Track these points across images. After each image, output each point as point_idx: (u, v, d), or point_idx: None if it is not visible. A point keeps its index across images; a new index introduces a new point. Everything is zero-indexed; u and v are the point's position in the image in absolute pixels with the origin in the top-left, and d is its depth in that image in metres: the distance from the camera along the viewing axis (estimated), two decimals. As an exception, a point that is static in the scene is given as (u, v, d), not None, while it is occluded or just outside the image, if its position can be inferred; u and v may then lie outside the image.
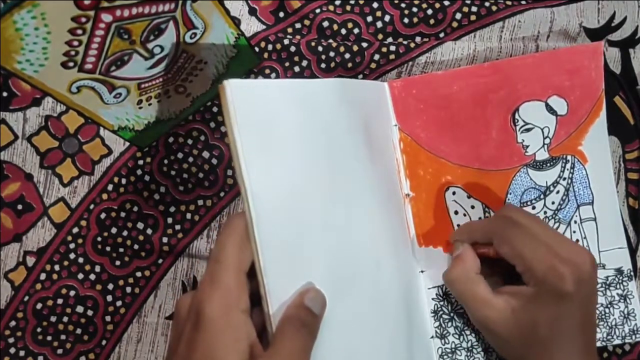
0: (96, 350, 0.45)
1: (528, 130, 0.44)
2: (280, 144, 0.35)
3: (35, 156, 0.46)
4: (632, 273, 0.44)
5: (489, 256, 0.40)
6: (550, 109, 0.44)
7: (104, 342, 0.45)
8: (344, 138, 0.40)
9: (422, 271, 0.44)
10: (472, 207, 0.44)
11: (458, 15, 0.46)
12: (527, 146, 0.44)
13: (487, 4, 0.46)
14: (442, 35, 0.46)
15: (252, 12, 0.46)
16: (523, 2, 0.46)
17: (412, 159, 0.44)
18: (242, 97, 0.32)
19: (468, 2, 0.46)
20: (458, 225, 0.44)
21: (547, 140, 0.44)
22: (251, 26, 0.46)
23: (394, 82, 0.44)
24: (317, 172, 0.37)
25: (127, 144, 0.45)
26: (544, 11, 0.46)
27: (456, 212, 0.44)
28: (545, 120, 0.44)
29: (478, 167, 0.44)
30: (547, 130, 0.44)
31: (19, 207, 0.45)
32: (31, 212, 0.45)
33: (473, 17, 0.46)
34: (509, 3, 0.46)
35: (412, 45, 0.45)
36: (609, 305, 0.43)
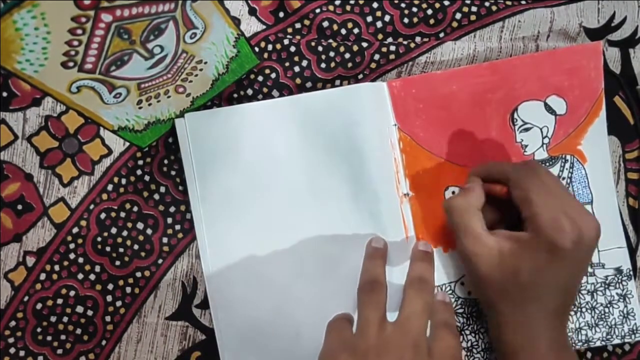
0: (96, 350, 0.45)
1: (527, 129, 0.44)
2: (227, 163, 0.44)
3: (35, 156, 0.46)
4: (631, 272, 0.44)
5: (496, 194, 0.40)
6: (549, 109, 0.44)
7: (103, 342, 0.45)
8: (306, 149, 0.44)
9: None
10: None
11: (458, 15, 0.46)
12: (526, 146, 0.44)
13: (487, 4, 0.46)
14: (442, 35, 0.46)
15: (252, 12, 0.46)
16: (523, 2, 0.46)
17: (412, 158, 0.44)
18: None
19: (468, 2, 0.46)
20: None
21: (546, 140, 0.44)
22: (251, 26, 0.46)
23: (393, 82, 0.44)
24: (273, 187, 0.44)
25: (127, 144, 0.46)
26: (544, 11, 0.46)
27: None
28: (544, 120, 0.44)
29: None
30: (546, 130, 0.44)
31: (19, 207, 0.45)
32: (31, 212, 0.45)
33: (473, 17, 0.46)
34: (509, 3, 0.46)
35: (412, 45, 0.45)
36: (608, 305, 0.43)
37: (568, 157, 0.44)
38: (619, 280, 0.44)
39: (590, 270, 0.44)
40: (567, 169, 0.44)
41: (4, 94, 0.45)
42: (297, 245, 0.43)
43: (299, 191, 0.44)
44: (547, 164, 0.44)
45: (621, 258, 0.44)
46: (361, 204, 0.43)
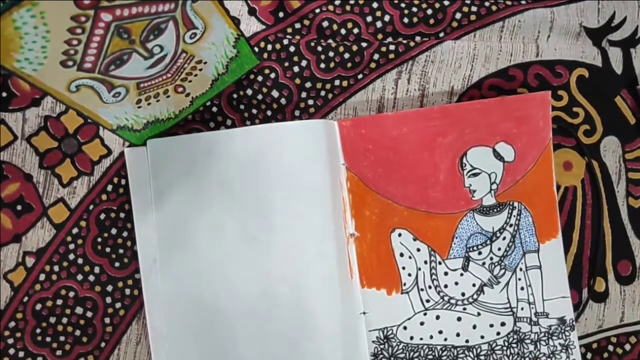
0: (95, 352, 0.45)
1: (475, 175, 0.44)
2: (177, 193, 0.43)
3: (35, 156, 0.46)
4: (574, 323, 0.44)
5: None
6: (497, 155, 0.44)
7: (102, 344, 0.45)
8: (255, 183, 0.43)
9: (363, 313, 0.44)
10: (418, 249, 0.44)
11: (458, 15, 0.46)
12: (474, 191, 0.44)
13: (487, 3, 0.46)
14: (441, 35, 0.46)
15: (251, 12, 0.46)
16: (523, 2, 0.46)
17: (358, 199, 0.44)
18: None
19: (468, 2, 0.46)
20: (403, 268, 0.44)
21: (494, 186, 0.44)
22: (251, 26, 0.46)
23: (343, 122, 0.44)
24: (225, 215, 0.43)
25: (127, 144, 0.45)
26: (544, 11, 0.46)
27: (401, 255, 0.44)
28: (493, 166, 0.44)
29: (425, 209, 0.44)
30: (494, 176, 0.44)
31: (19, 207, 0.45)
32: (30, 213, 0.45)
33: (473, 17, 0.46)
34: (509, 3, 0.46)
35: (412, 44, 0.45)
36: (551, 355, 0.44)
37: (515, 204, 0.44)
38: (562, 331, 0.44)
39: (534, 319, 0.44)
40: (514, 215, 0.44)
41: (4, 94, 0.45)
42: (246, 281, 0.43)
43: (251, 225, 0.43)
44: (495, 210, 0.44)
45: (565, 308, 0.44)
46: (311, 243, 0.43)
